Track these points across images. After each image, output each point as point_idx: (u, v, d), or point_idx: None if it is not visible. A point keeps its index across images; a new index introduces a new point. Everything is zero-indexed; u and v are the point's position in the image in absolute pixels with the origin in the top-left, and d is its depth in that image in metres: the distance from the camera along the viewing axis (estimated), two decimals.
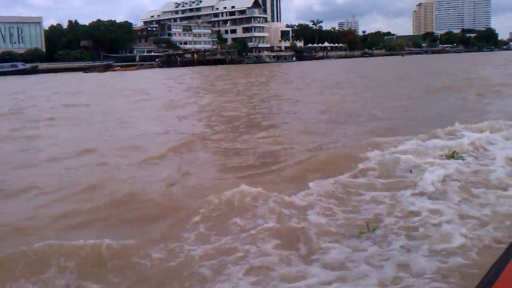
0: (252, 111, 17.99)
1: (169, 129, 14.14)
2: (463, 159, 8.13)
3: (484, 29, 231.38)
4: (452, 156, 8.20)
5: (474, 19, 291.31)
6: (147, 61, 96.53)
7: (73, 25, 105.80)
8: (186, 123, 15.47)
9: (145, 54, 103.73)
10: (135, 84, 40.68)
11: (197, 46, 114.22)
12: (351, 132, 12.10)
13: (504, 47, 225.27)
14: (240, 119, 15.57)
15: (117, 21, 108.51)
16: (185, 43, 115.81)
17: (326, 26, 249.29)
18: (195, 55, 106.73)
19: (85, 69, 79.93)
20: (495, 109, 15.13)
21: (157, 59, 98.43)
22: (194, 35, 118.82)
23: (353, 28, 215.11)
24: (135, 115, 17.76)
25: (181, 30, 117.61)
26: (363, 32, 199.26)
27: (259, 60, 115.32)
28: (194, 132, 13.18)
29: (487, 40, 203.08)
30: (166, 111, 19.41)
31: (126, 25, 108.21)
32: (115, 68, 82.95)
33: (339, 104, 18.91)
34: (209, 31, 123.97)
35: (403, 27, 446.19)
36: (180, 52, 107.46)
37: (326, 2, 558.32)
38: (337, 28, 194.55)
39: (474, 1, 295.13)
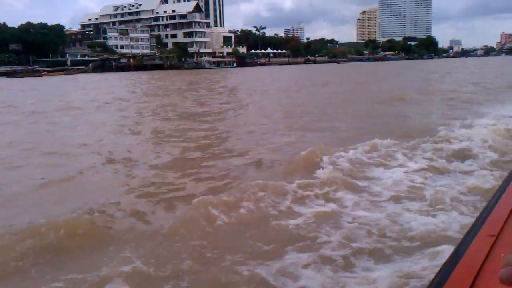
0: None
1: None
2: None
3: (425, 37, 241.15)
4: None
5: (415, 27, 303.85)
6: (80, 66, 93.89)
7: (1, 27, 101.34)
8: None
9: (79, 58, 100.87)
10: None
11: (135, 51, 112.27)
12: None
13: (444, 54, 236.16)
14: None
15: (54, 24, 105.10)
16: (122, 47, 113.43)
17: (272, 32, 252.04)
18: (132, 60, 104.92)
19: (8, 74, 76.78)
20: None
21: (90, 64, 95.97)
22: (132, 39, 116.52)
23: (299, 35, 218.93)
24: None
25: (118, 33, 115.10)
26: (307, 39, 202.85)
27: (198, 66, 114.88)
28: None
29: (427, 47, 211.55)
30: None
31: (58, 28, 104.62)
32: (42, 73, 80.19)
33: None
34: (147, 35, 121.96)
35: (348, 35, 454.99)
36: (115, 56, 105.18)
37: (273, 9, 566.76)
38: (283, 34, 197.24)
39: (415, 10, 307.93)
